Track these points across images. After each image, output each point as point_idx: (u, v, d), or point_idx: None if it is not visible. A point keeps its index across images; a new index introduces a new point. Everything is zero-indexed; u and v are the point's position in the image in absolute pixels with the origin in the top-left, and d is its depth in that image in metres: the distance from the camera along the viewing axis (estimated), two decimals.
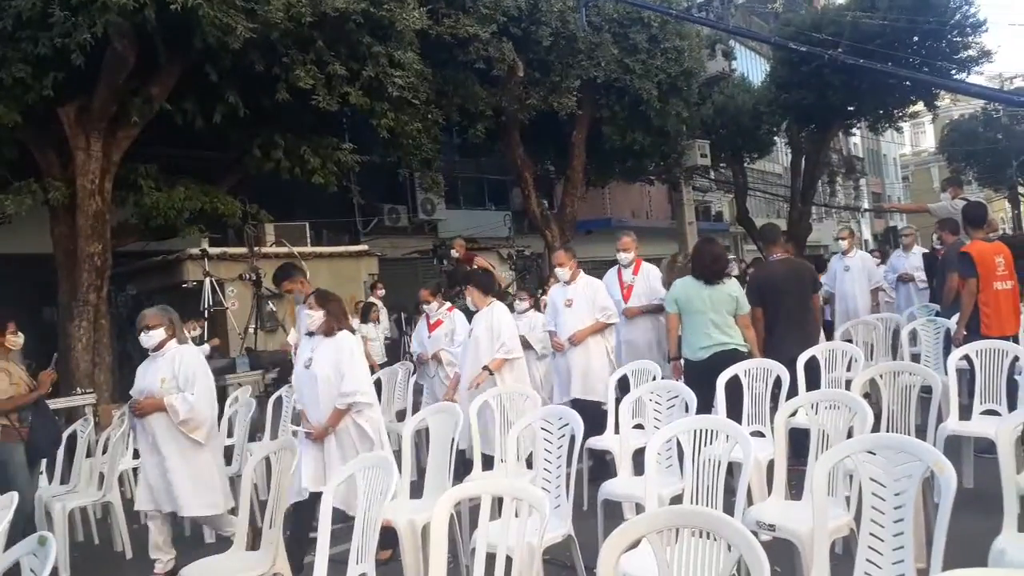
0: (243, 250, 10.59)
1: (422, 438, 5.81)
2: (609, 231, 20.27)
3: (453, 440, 4.03)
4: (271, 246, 11.17)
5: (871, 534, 2.55)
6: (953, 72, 17.57)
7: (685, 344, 5.32)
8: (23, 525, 4.27)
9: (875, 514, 2.57)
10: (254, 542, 3.70)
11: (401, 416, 7.13)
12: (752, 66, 27.50)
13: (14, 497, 3.11)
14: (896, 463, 2.52)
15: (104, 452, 5.56)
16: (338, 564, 2.98)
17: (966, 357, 4.79)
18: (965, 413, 4.66)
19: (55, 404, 6.88)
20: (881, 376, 4.22)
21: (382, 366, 8.57)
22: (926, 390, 4.15)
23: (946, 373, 4.74)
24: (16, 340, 5.15)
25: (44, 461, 5.47)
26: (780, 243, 6.02)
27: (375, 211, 15.79)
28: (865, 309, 8.23)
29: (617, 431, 4.67)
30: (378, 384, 7.48)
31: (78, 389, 8.10)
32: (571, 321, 6.16)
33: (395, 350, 11.15)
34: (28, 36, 7.42)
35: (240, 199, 10.11)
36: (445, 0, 11.37)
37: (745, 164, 22.88)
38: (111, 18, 7.22)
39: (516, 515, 2.64)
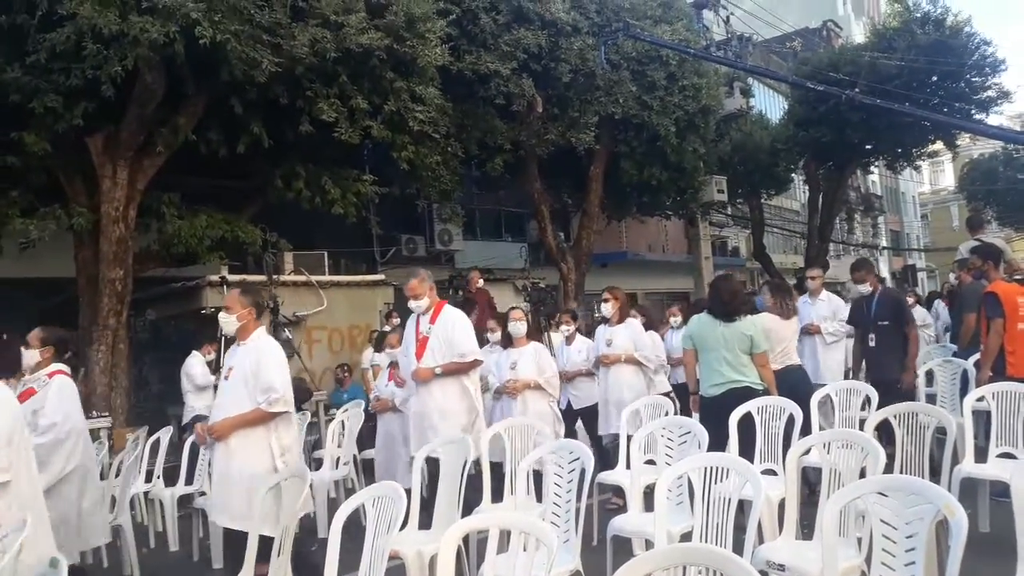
0: (262, 278, 10.68)
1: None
2: (625, 264, 20.34)
3: (463, 472, 4.03)
4: (290, 274, 11.27)
5: None
6: (972, 112, 17.61)
7: (701, 380, 5.31)
8: None
9: (886, 556, 2.55)
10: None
11: None
12: (770, 103, 27.66)
13: (28, 518, 3.14)
14: (907, 505, 2.51)
15: (117, 475, 5.60)
16: None
17: (982, 398, 4.74)
18: (981, 455, 4.60)
19: None
20: (895, 416, 4.19)
21: None
22: (942, 431, 4.11)
23: (962, 414, 4.69)
24: None
25: None
26: (871, 274, 6.12)
27: (393, 241, 15.91)
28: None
29: (628, 466, 4.65)
30: None
31: (94, 412, 8.17)
32: (226, 402, 4.25)
33: None
34: (61, 68, 7.63)
35: (260, 228, 10.25)
36: (467, 37, 11.58)
37: (762, 200, 22.93)
38: (142, 52, 7.43)
39: (524, 549, 2.64)
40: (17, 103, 7.74)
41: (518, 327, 6.12)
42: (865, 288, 6.07)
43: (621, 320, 6.54)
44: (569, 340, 7.04)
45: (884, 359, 5.82)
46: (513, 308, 6.42)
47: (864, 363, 6.22)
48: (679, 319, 7.93)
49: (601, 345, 6.60)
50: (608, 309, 6.59)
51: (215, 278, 10.46)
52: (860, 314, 6.16)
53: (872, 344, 5.91)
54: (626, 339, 6.47)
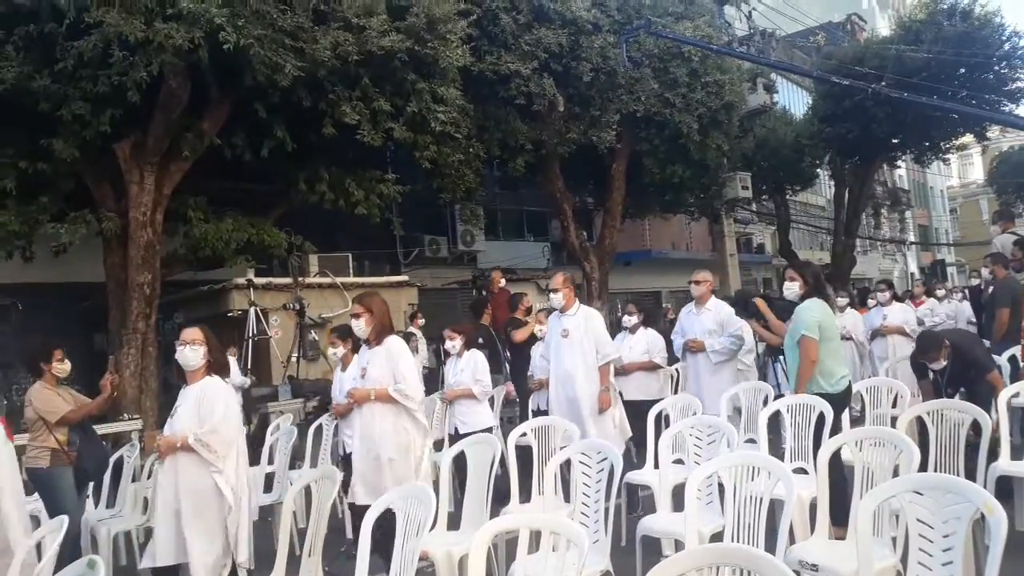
0: (287, 280, 10.80)
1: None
2: (649, 263, 20.26)
3: (491, 471, 4.02)
4: (315, 276, 11.37)
5: None
6: (1003, 104, 17.31)
7: (822, 375, 4.68)
8: (70, 548, 4.35)
9: (923, 556, 2.51)
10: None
11: (439, 446, 7.13)
12: (794, 99, 27.39)
13: (64, 520, 3.18)
14: (944, 504, 2.46)
15: (149, 477, 5.66)
16: None
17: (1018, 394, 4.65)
18: (1017, 453, 4.51)
19: (102, 429, 7.05)
20: (928, 414, 4.12)
21: None
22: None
23: (997, 411, 4.60)
24: (63, 367, 5.18)
25: (91, 485, 5.58)
26: (939, 350, 5.35)
27: (416, 242, 15.98)
28: (590, 397, 5.52)
29: (657, 466, 4.62)
30: None
31: (125, 415, 8.29)
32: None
33: (433, 380, 11.17)
34: (88, 75, 7.74)
35: (285, 231, 10.34)
36: (487, 38, 11.58)
37: (787, 196, 22.71)
38: (167, 58, 7.52)
39: (554, 549, 2.63)
40: (46, 111, 7.87)
41: (189, 355, 4.01)
42: (939, 365, 5.33)
43: (379, 341, 4.49)
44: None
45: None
46: (191, 328, 4.17)
47: None
48: (545, 328, 6.56)
49: (357, 376, 4.65)
50: (361, 328, 4.49)
51: (241, 281, 10.59)
52: (936, 385, 5.42)
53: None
54: (382, 368, 4.43)
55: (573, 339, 5.65)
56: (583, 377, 5.57)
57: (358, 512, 3.78)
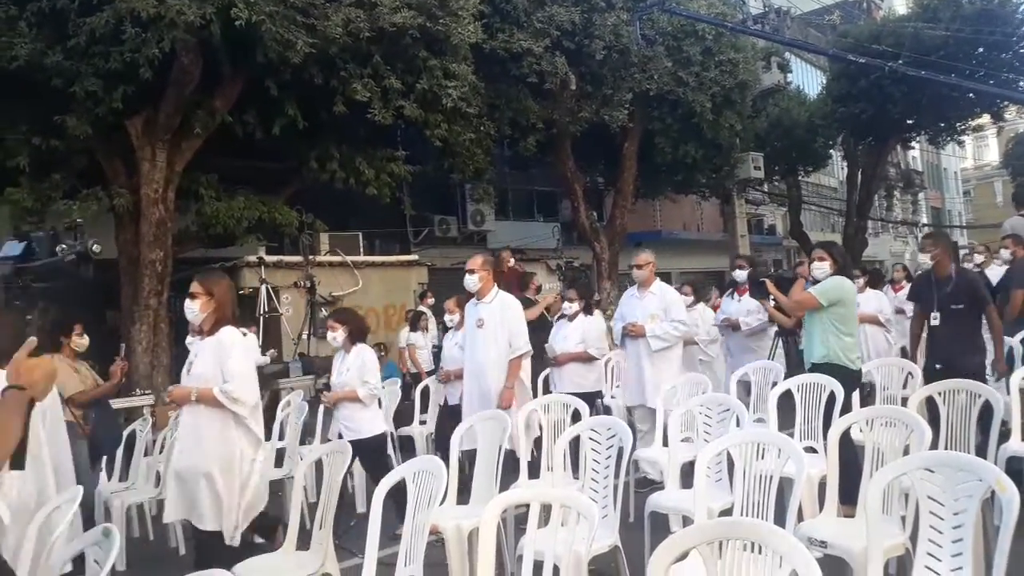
0: (298, 258, 10.82)
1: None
2: (659, 243, 20.16)
3: (500, 447, 4.04)
4: (325, 255, 11.39)
5: (928, 554, 2.49)
6: (1021, 84, 17.11)
7: (843, 351, 4.79)
8: (83, 520, 4.40)
9: (933, 533, 2.51)
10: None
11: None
12: (808, 79, 27.09)
13: (79, 491, 3.22)
14: (956, 482, 2.46)
15: (161, 451, 5.73)
16: (386, 567, 3.03)
17: None
18: None
19: (116, 404, 7.11)
20: (940, 394, 4.11)
21: (429, 373, 8.66)
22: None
23: (1009, 392, 4.58)
24: (82, 342, 5.29)
25: (104, 458, 5.65)
26: (937, 247, 5.43)
27: (426, 222, 15.97)
28: (499, 385, 5.15)
29: (666, 443, 4.63)
30: (426, 391, 7.60)
31: (137, 390, 8.37)
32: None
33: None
34: (100, 52, 7.74)
35: (296, 209, 10.35)
36: (499, 15, 11.49)
37: (800, 177, 22.53)
38: (179, 34, 7.51)
39: (563, 524, 2.64)
40: (59, 87, 7.88)
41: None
42: (927, 258, 5.34)
43: (212, 331, 3.83)
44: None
45: (953, 346, 5.16)
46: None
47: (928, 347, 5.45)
48: (456, 317, 6.42)
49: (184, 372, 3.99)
50: (195, 312, 3.87)
51: (252, 259, 10.62)
52: (925, 292, 5.44)
53: (936, 323, 5.25)
54: (209, 364, 3.76)
55: (487, 329, 5.20)
56: (496, 370, 5.13)
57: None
